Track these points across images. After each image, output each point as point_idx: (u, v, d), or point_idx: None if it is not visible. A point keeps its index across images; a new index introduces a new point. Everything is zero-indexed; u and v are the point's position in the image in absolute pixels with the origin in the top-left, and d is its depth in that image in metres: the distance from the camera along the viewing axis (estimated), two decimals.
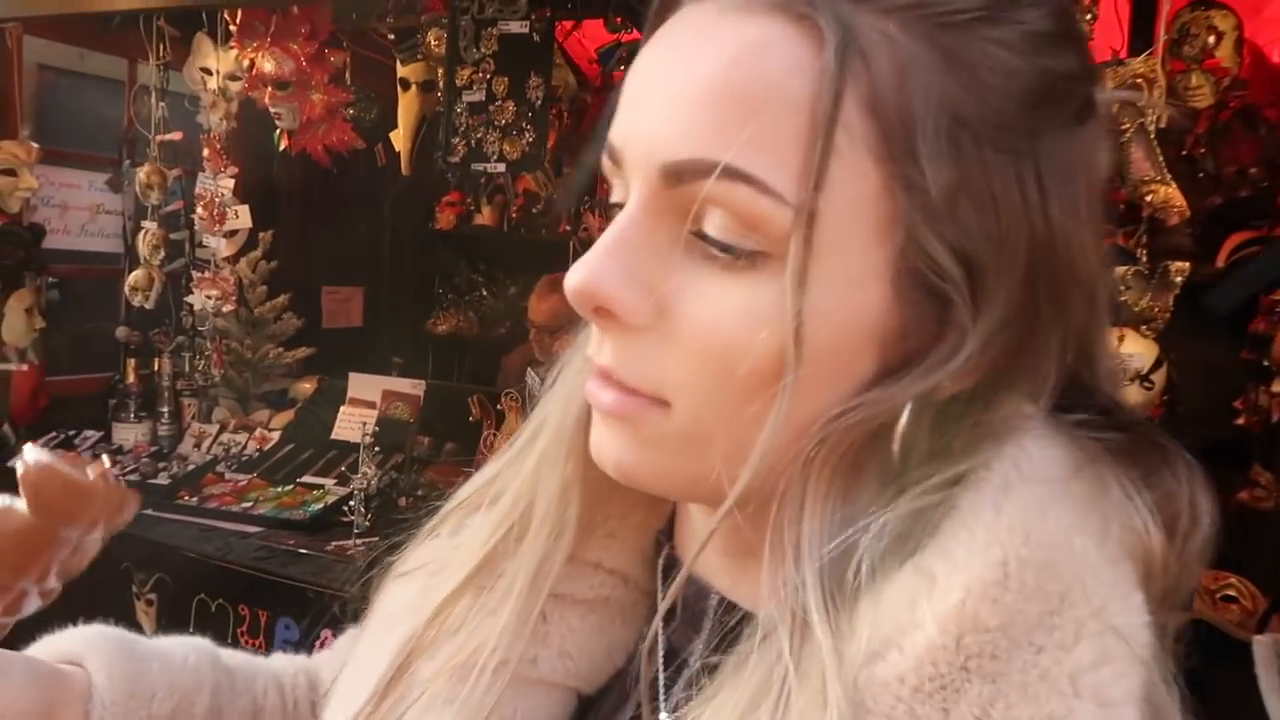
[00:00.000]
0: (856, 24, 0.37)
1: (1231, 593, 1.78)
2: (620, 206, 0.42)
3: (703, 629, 0.46)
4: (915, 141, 0.37)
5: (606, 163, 0.44)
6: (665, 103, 0.40)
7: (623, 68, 2.53)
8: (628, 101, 0.42)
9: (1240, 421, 2.34)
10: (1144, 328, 1.61)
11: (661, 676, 0.47)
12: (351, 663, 0.54)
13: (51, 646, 0.62)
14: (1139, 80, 1.72)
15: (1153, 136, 1.58)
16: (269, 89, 2.64)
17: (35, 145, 2.80)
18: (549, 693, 0.50)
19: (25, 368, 2.83)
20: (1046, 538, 0.36)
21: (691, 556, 0.43)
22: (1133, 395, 1.66)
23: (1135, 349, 1.63)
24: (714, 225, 0.39)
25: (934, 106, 0.37)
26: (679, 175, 0.39)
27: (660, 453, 0.42)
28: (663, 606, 0.46)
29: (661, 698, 0.47)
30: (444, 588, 0.50)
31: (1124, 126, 1.61)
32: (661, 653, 0.48)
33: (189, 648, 0.66)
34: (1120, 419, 0.42)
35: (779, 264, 0.38)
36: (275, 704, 0.68)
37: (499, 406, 2.58)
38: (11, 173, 2.75)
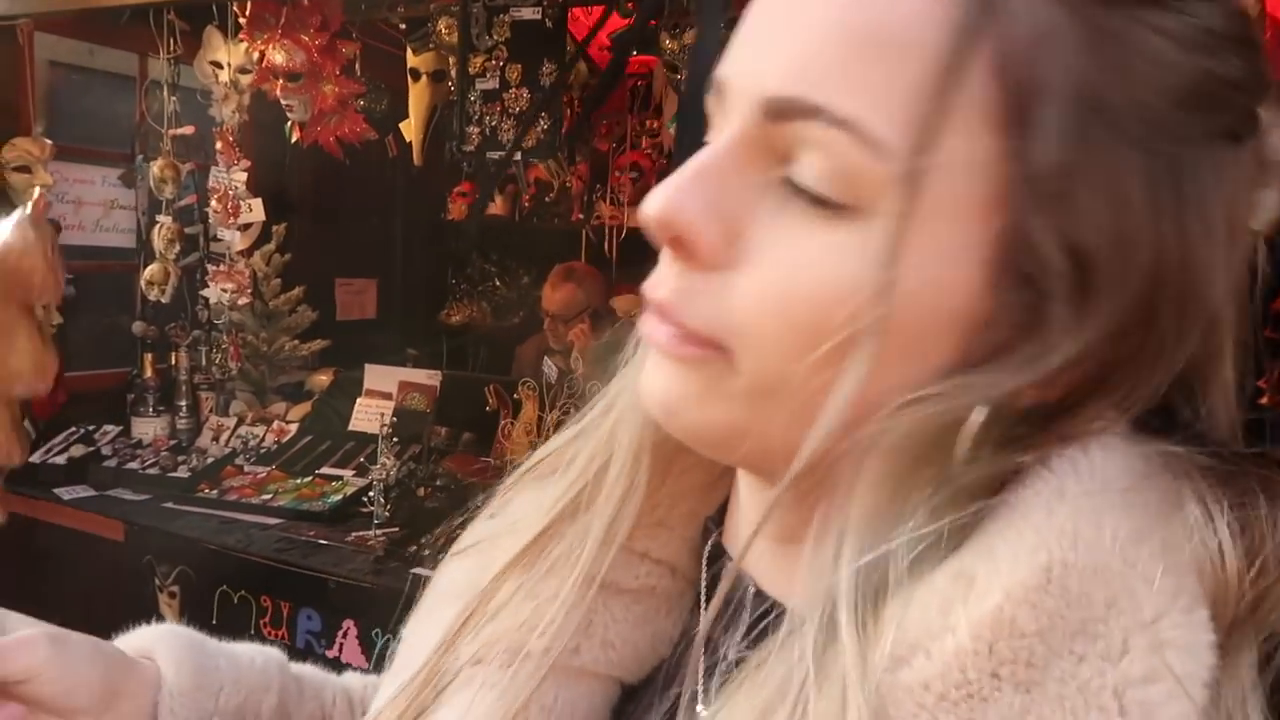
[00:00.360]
0: None
1: None
2: None
3: (739, 621, 0.45)
4: (1040, 115, 0.34)
5: (711, 101, 0.41)
6: (778, 38, 0.37)
7: (635, 52, 2.52)
8: (740, 38, 0.40)
9: (1264, 401, 2.31)
10: None
11: (702, 668, 0.46)
12: (403, 643, 0.54)
13: (123, 642, 0.63)
14: None
15: None
16: (280, 81, 2.64)
17: (49, 142, 2.81)
18: (591, 682, 0.49)
19: None
20: (1100, 542, 0.33)
21: (743, 545, 0.41)
22: None
23: None
24: (809, 170, 0.36)
25: (1068, 83, 0.34)
26: (780, 112, 0.37)
27: (717, 403, 0.39)
28: (709, 612, 0.43)
29: (700, 690, 0.46)
30: (496, 565, 0.50)
31: None
32: (703, 649, 0.47)
33: (257, 651, 0.67)
34: (1219, 442, 0.38)
35: (872, 220, 0.35)
36: (344, 712, 0.68)
37: (515, 396, 2.58)
38: (26, 169, 2.75)
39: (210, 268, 2.76)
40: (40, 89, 2.97)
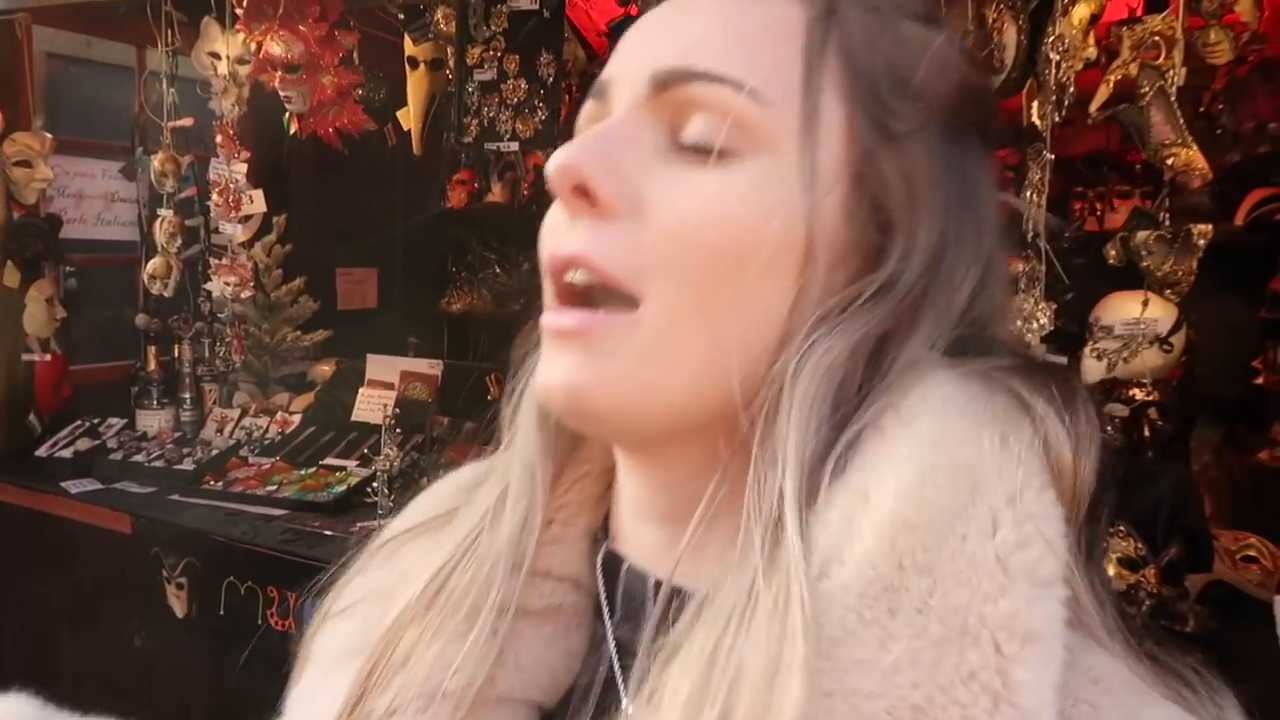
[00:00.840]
0: None
1: (1252, 553, 1.78)
2: None
3: (645, 616, 0.47)
4: (877, 88, 0.44)
5: (590, 107, 0.48)
6: (659, 37, 0.46)
7: None
8: (620, 50, 0.47)
9: (1260, 381, 2.33)
10: (1168, 292, 1.60)
11: (619, 672, 0.47)
12: (287, 717, 0.53)
13: None
14: (1157, 39, 1.70)
15: (1173, 99, 1.56)
16: (278, 73, 2.64)
17: (49, 136, 2.81)
18: (509, 712, 0.49)
19: (48, 357, 2.86)
20: (955, 440, 0.39)
21: (692, 527, 0.43)
22: (1153, 358, 1.66)
23: (1158, 313, 1.62)
24: (698, 125, 0.43)
25: (891, 68, 0.45)
26: (665, 81, 0.44)
27: (621, 363, 0.42)
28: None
29: (622, 691, 0.47)
30: (393, 613, 0.49)
31: (1143, 90, 1.59)
32: (614, 649, 0.48)
33: None
34: (1024, 356, 0.45)
35: (758, 161, 0.42)
36: None
37: None
38: (27, 164, 2.76)
39: (212, 261, 2.77)
40: (38, 81, 2.97)
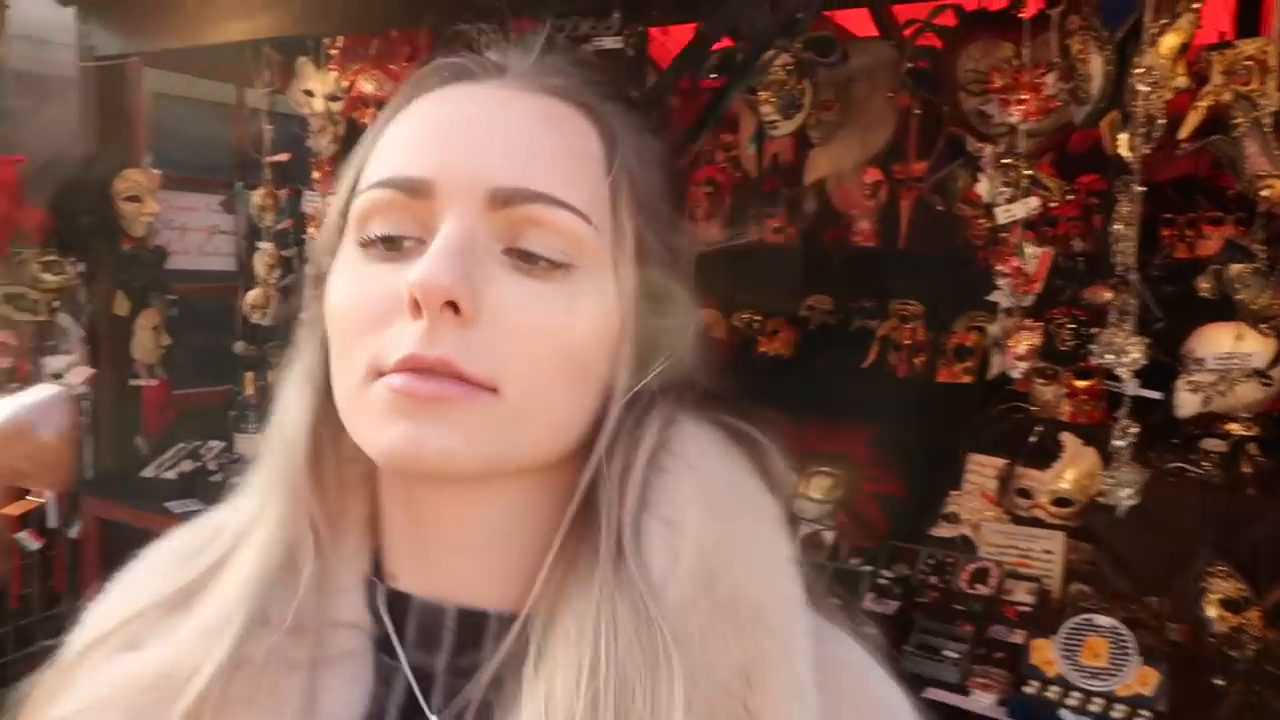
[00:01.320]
0: (610, 113, 0.54)
1: None
2: (386, 239, 0.50)
3: (442, 642, 0.52)
4: (651, 197, 0.55)
5: (397, 199, 0.50)
6: (491, 144, 0.50)
7: (713, 75, 2.56)
8: (433, 150, 0.50)
9: None
10: (1263, 326, 1.56)
11: (421, 698, 0.52)
12: None
13: None
14: (1250, 63, 1.67)
15: (1267, 130, 1.53)
16: (370, 109, 2.74)
17: (157, 172, 2.97)
18: None
19: (155, 383, 3.01)
20: (719, 472, 0.53)
21: (553, 548, 0.51)
22: (1251, 391, 1.62)
23: (1254, 347, 1.59)
24: (538, 241, 0.49)
25: (652, 178, 0.55)
26: (506, 199, 0.49)
27: (486, 433, 0.48)
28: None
29: (427, 712, 0.52)
30: (185, 699, 0.49)
31: (1237, 120, 1.56)
32: (413, 678, 0.52)
33: None
34: (722, 398, 0.57)
35: (586, 273, 0.50)
36: None
37: None
38: (136, 199, 2.92)
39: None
40: (147, 120, 3.14)
